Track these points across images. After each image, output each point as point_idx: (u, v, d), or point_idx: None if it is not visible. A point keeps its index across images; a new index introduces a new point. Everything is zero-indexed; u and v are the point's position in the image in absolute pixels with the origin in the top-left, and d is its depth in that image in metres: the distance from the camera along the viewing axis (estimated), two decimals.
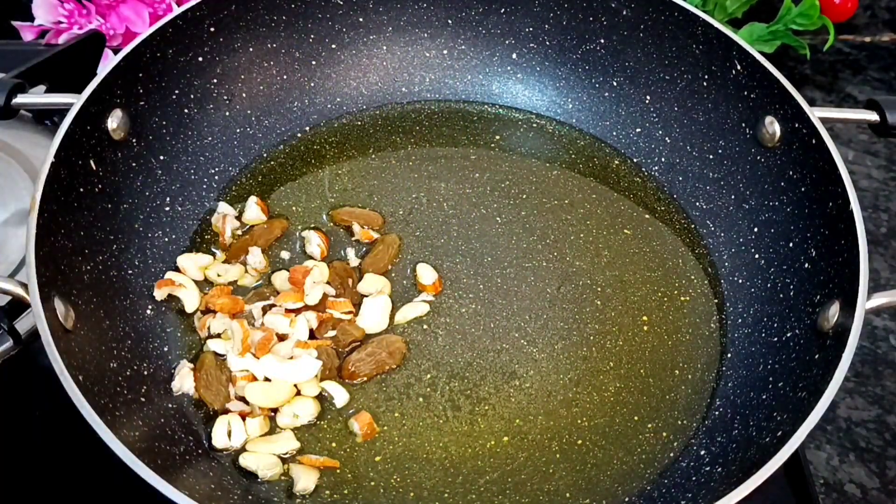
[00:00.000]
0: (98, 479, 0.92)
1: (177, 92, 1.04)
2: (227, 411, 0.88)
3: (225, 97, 1.09)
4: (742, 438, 0.86)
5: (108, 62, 0.99)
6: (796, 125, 0.95)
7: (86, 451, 0.90)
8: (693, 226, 1.07)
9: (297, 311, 0.94)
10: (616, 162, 1.13)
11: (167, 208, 1.02)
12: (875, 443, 1.02)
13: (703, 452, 0.88)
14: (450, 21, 1.16)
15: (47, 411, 0.96)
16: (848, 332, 0.80)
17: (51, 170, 0.85)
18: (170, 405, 0.89)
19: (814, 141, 0.92)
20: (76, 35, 1.27)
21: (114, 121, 0.95)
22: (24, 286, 0.79)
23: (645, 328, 0.98)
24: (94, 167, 0.93)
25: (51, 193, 0.84)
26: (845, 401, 1.05)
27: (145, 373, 0.89)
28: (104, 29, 1.28)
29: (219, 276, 0.98)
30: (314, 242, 1.01)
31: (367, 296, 0.98)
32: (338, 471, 0.86)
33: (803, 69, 1.43)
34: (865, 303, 0.81)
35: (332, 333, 0.94)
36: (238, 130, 1.10)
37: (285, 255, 1.01)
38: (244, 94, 1.10)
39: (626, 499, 0.86)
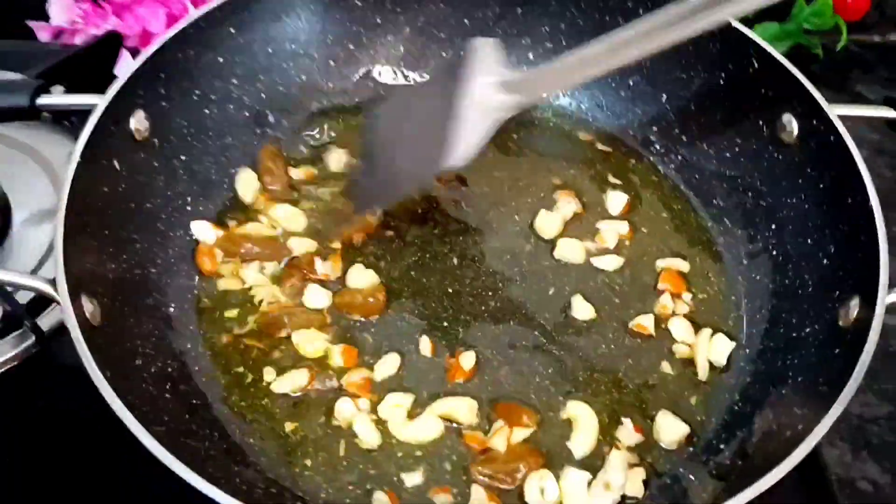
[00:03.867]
0: (119, 476, 0.93)
1: (197, 93, 1.04)
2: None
3: (244, 98, 1.09)
4: (762, 433, 0.87)
5: (125, 62, 0.99)
6: (814, 122, 0.96)
7: (106, 448, 0.91)
8: (711, 223, 1.07)
9: None
10: (633, 161, 1.13)
11: (189, 208, 1.02)
12: (887, 439, 1.02)
13: (723, 447, 0.89)
14: (466, 21, 1.17)
15: (67, 410, 0.96)
16: (868, 327, 0.81)
17: (77, 169, 0.86)
18: (194, 402, 0.89)
19: (832, 137, 0.93)
20: (93, 35, 1.27)
21: (136, 121, 0.96)
22: (52, 283, 0.79)
23: (663, 326, 0.98)
24: (118, 167, 0.93)
25: (76, 193, 0.85)
26: (858, 397, 1.04)
27: (169, 370, 0.90)
28: (120, 29, 1.29)
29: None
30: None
31: None
32: None
33: (814, 68, 1.43)
34: (885, 297, 0.82)
35: None
36: (258, 131, 1.11)
37: None
38: (263, 95, 1.11)
39: (647, 492, 0.87)
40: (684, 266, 1.03)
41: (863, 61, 1.47)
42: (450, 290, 1.00)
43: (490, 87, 0.89)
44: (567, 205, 1.08)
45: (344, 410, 0.90)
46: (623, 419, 0.91)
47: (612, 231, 1.06)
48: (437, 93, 0.93)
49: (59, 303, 0.78)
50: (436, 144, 0.89)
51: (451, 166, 0.88)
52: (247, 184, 1.07)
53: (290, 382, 0.92)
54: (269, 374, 0.93)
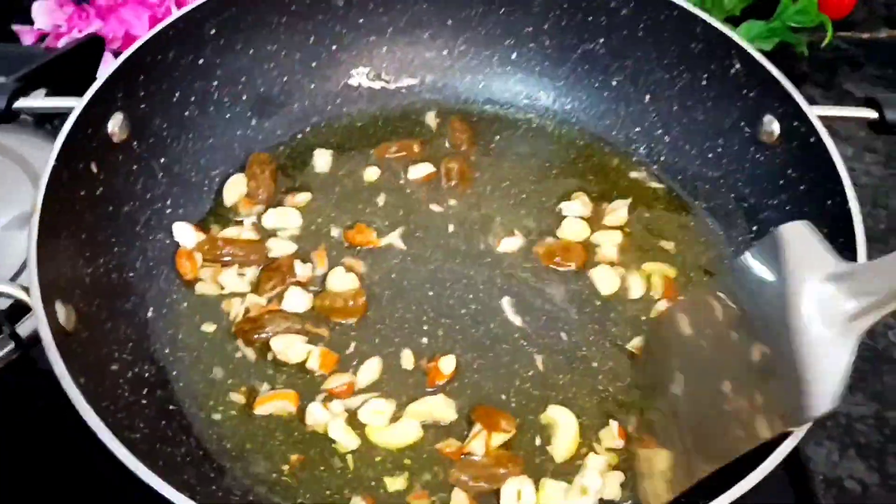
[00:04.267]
0: (99, 482, 0.92)
1: (178, 94, 1.04)
2: None
3: (226, 99, 1.09)
4: None
5: (108, 65, 0.99)
6: (795, 123, 0.95)
7: (87, 453, 0.91)
8: (693, 224, 1.07)
9: None
10: (616, 161, 1.13)
11: (168, 210, 1.02)
12: (875, 439, 1.02)
13: None
14: (449, 22, 1.17)
15: (48, 415, 0.96)
16: None
17: (52, 173, 0.85)
18: (171, 407, 0.89)
19: (812, 139, 0.93)
20: (76, 38, 1.27)
21: (115, 124, 0.95)
22: (26, 290, 0.79)
23: (645, 327, 0.98)
24: (96, 170, 0.93)
25: (52, 197, 0.85)
26: (845, 397, 1.04)
27: (146, 375, 0.90)
28: (104, 32, 1.29)
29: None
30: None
31: None
32: None
33: (802, 66, 1.43)
34: None
35: None
36: (239, 132, 1.10)
37: None
38: (245, 97, 1.11)
39: (625, 493, 0.86)
40: (670, 272, 1.03)
41: (851, 59, 1.46)
42: (430, 294, 1.00)
43: (828, 290, 0.68)
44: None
45: (316, 415, 0.89)
46: (611, 421, 0.91)
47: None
48: (744, 316, 0.74)
49: (32, 309, 0.78)
50: (778, 384, 0.70)
51: (818, 413, 0.69)
52: (233, 187, 1.07)
53: (272, 408, 0.91)
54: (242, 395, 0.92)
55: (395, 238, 1.04)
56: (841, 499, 0.97)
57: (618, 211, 1.07)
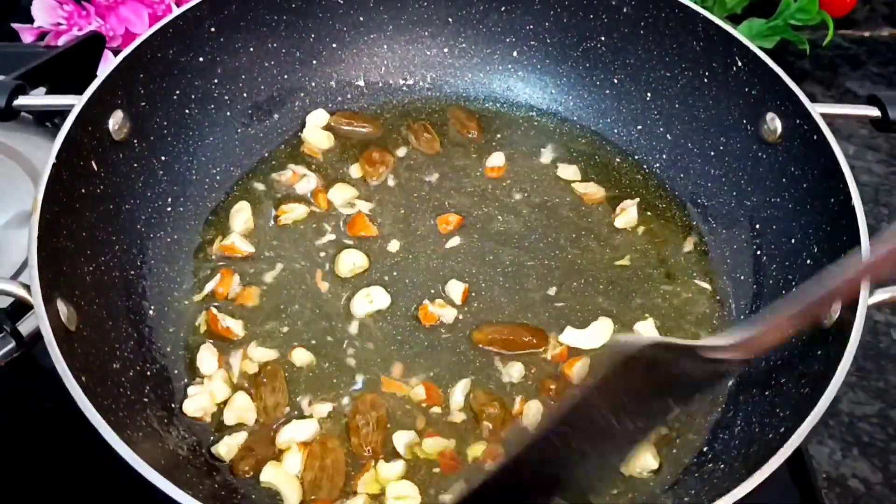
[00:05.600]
0: (100, 480, 0.92)
1: (178, 92, 1.04)
2: None
3: (226, 97, 1.09)
4: (745, 435, 0.86)
5: (108, 63, 0.99)
6: (797, 121, 0.95)
7: (88, 452, 0.90)
8: (695, 223, 1.07)
9: None
10: (617, 159, 1.13)
11: (169, 209, 1.02)
12: (878, 437, 1.02)
13: (706, 449, 0.88)
14: (450, 20, 1.17)
15: (49, 413, 0.96)
16: (850, 328, 0.79)
17: (52, 171, 0.85)
18: (172, 405, 0.89)
19: (815, 137, 0.92)
20: (76, 37, 1.27)
21: (115, 122, 0.95)
22: (27, 288, 0.79)
23: (647, 326, 0.98)
24: (96, 168, 0.93)
25: (52, 195, 0.84)
26: (848, 395, 1.05)
27: (148, 374, 0.90)
28: (104, 30, 1.28)
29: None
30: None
31: None
32: None
33: (803, 64, 1.43)
34: (867, 298, 0.81)
35: None
36: (239, 130, 1.10)
37: None
38: (245, 94, 1.11)
39: (630, 495, 0.86)
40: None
41: (852, 57, 1.46)
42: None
43: None
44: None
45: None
46: None
47: None
48: None
49: (33, 307, 0.78)
50: None
51: None
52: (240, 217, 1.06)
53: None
54: None
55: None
56: (844, 498, 0.97)
57: (627, 211, 1.07)
